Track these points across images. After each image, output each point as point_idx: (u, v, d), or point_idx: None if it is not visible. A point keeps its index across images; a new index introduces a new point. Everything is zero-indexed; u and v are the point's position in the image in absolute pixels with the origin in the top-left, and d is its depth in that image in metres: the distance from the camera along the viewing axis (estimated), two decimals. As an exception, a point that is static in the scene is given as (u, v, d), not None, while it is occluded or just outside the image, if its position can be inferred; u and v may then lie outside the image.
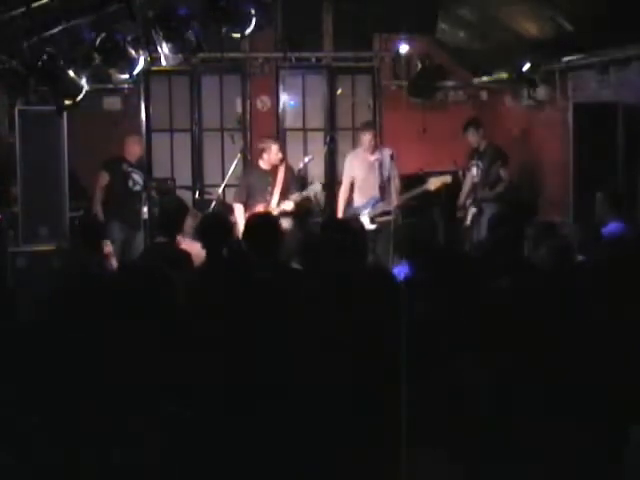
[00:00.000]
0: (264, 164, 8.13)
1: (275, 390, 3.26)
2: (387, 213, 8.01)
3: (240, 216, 7.94)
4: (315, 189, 8.29)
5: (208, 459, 3.17)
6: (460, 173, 8.89)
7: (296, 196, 8.10)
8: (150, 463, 3.09)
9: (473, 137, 8.72)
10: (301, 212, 8.38)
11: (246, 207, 8.03)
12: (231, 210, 8.23)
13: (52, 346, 3.35)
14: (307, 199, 8.41)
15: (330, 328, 3.69)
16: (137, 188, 8.35)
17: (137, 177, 8.39)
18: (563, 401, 3.47)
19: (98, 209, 8.17)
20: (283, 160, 8.28)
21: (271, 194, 8.03)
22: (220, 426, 3.20)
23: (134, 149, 8.54)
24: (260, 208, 7.91)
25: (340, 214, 8.35)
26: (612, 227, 5.64)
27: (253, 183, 8.13)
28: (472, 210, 8.42)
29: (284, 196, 8.06)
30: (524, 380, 3.48)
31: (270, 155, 8.06)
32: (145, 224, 8.28)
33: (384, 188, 8.07)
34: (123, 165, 8.35)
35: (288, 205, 8.02)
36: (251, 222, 5.21)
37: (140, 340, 3.33)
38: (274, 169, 8.11)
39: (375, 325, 3.70)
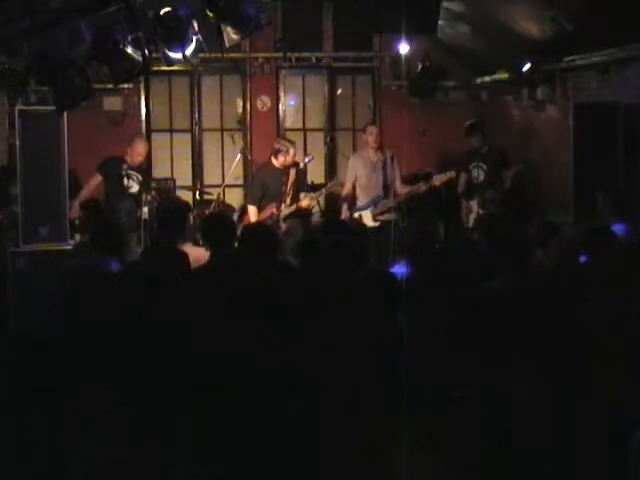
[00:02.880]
0: (277, 164, 8.10)
1: (275, 389, 3.26)
2: (390, 210, 8.04)
3: (254, 219, 7.94)
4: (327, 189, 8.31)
5: (209, 458, 3.18)
6: (462, 175, 8.86)
7: (307, 197, 8.09)
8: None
9: (476, 141, 8.70)
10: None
11: (259, 207, 8.02)
12: (231, 210, 8.21)
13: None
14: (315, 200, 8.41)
15: (330, 328, 3.69)
16: (134, 189, 8.32)
17: (135, 178, 8.35)
18: (561, 400, 3.48)
19: (75, 207, 8.05)
20: (296, 162, 8.25)
21: (286, 194, 8.01)
22: (220, 425, 3.20)
23: (140, 151, 8.46)
24: (274, 207, 7.92)
25: (343, 214, 8.34)
26: (615, 228, 5.64)
27: (268, 182, 8.06)
28: (475, 211, 8.38)
29: (294, 196, 8.04)
30: (528, 379, 3.48)
31: (287, 157, 8.01)
32: (145, 225, 8.25)
33: (387, 188, 8.08)
34: (122, 166, 8.31)
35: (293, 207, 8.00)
36: (246, 233, 5.21)
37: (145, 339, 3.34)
38: (286, 169, 8.08)
39: (375, 326, 3.70)
